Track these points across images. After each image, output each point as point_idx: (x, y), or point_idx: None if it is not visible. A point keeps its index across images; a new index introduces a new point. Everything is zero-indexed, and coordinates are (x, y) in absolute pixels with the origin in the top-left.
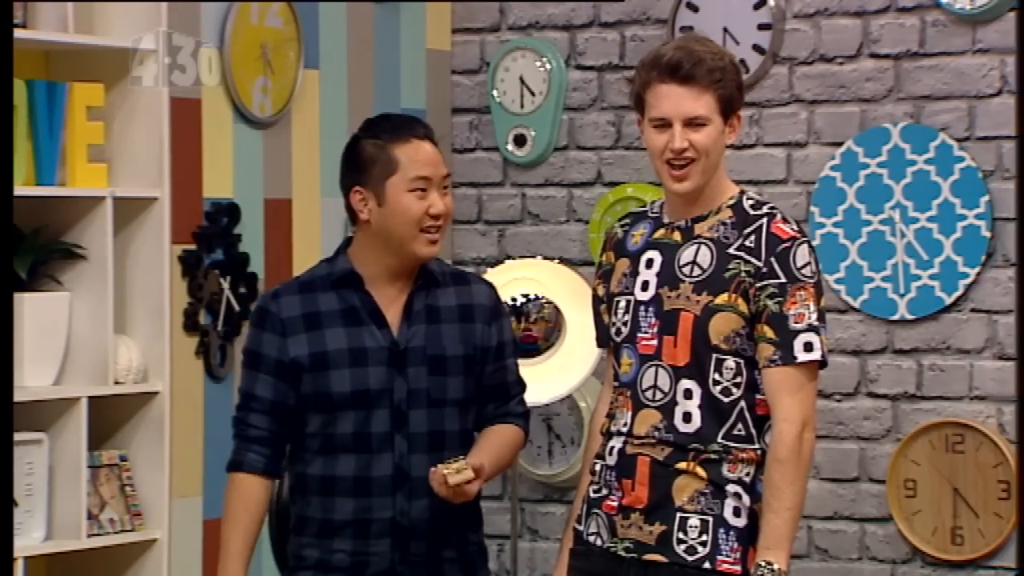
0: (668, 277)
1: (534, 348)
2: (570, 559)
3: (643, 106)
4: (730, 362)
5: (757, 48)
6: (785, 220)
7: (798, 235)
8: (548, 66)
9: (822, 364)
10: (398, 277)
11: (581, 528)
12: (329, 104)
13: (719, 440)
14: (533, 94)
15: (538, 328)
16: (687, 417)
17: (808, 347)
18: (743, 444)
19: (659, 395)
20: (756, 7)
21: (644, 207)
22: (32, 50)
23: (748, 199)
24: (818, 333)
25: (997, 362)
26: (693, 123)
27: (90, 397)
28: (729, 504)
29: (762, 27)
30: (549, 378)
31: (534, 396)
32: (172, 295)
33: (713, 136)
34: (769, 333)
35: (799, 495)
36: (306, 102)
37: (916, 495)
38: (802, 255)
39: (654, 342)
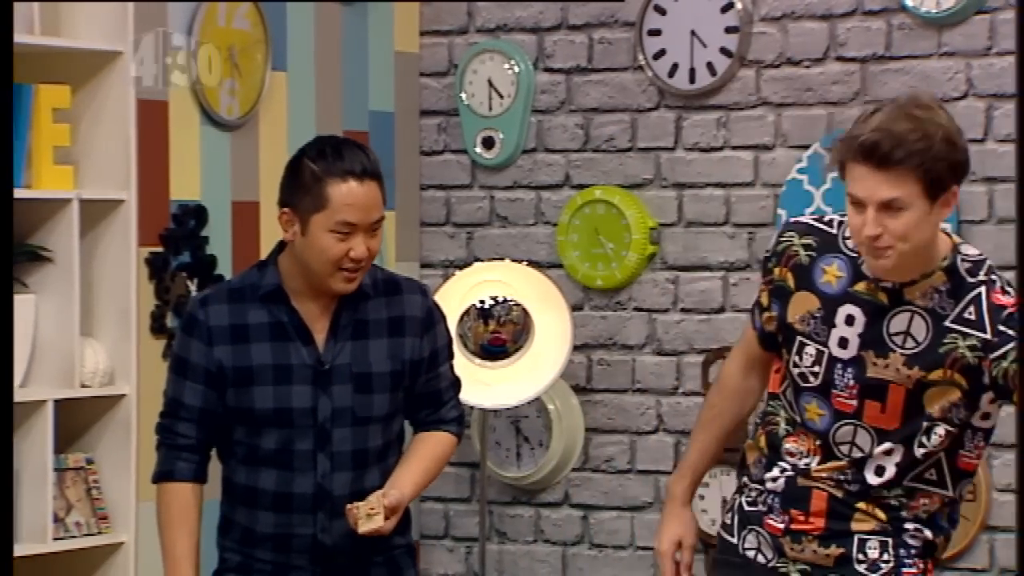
0: (875, 342)
1: (502, 350)
2: (719, 568)
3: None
4: (941, 428)
5: (724, 51)
6: (1005, 290)
7: (1018, 300)
8: (516, 69)
9: None
10: (324, 294)
11: (735, 541)
12: (297, 106)
13: (905, 484)
14: (501, 96)
15: (506, 330)
16: (880, 471)
17: None
18: (930, 487)
19: (856, 452)
20: (723, 10)
21: (830, 225)
22: None
23: (963, 260)
24: None
25: None
26: (890, 207)
27: (56, 400)
28: (908, 530)
29: (729, 30)
30: (517, 380)
31: (502, 399)
32: (139, 297)
33: (913, 221)
34: None
35: None
36: (274, 104)
37: None
38: None
39: (853, 403)
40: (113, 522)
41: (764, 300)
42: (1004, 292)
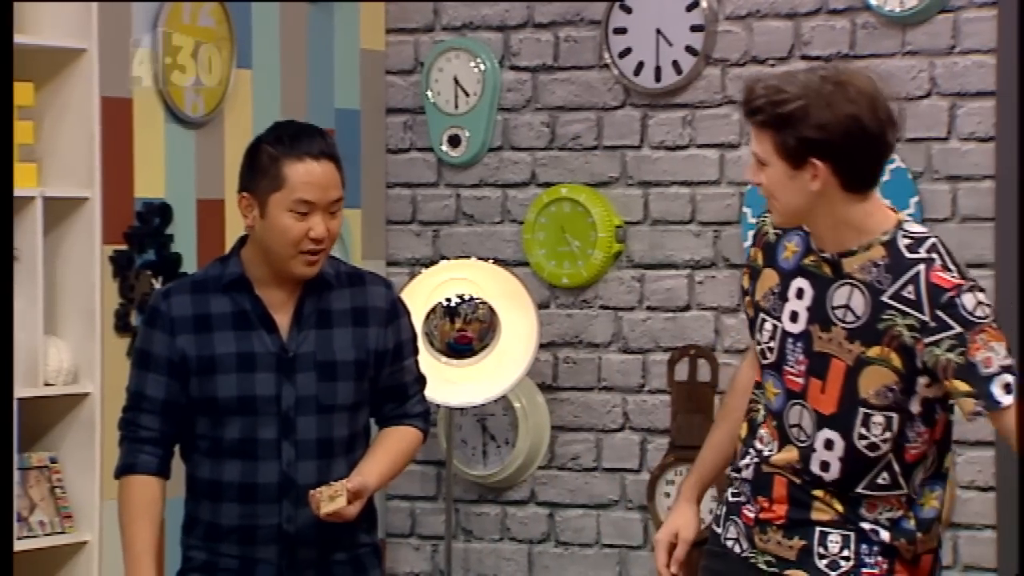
0: (820, 316)
1: (468, 349)
2: (706, 558)
3: None
4: (879, 417)
5: (690, 49)
6: (946, 266)
7: (962, 282)
8: (482, 67)
9: None
10: (287, 281)
11: (719, 531)
12: (262, 104)
13: (859, 490)
14: (467, 95)
15: (472, 329)
16: (824, 466)
17: (1008, 389)
18: (886, 492)
19: (803, 436)
20: (689, 9)
21: None
22: None
23: (905, 236)
24: (1012, 372)
25: None
26: (759, 160)
27: (20, 398)
28: (867, 526)
29: (695, 28)
30: (483, 379)
31: (468, 397)
32: (103, 296)
33: (773, 179)
34: (963, 387)
35: None
36: (239, 102)
37: None
38: (970, 300)
39: (801, 380)
40: (77, 521)
41: (745, 283)
42: (946, 270)
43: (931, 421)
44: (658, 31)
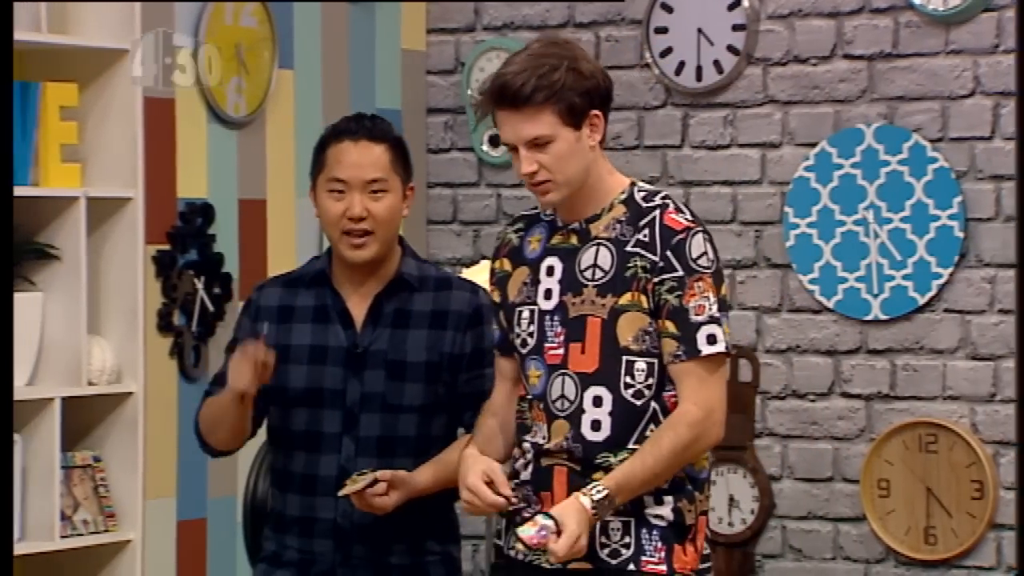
0: (571, 283)
1: None
2: (492, 573)
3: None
4: (641, 363)
5: (731, 49)
6: (679, 209)
7: (692, 224)
8: None
9: (727, 354)
10: (363, 277)
11: (501, 542)
12: (304, 104)
13: (631, 446)
14: None
15: None
16: (596, 425)
17: (712, 339)
18: None
19: (567, 404)
20: (730, 8)
21: (535, 209)
22: None
23: (640, 191)
24: (720, 324)
25: (970, 362)
26: (537, 143)
27: (64, 398)
28: (650, 504)
29: (736, 28)
30: None
31: None
32: (146, 296)
33: (563, 152)
34: (671, 328)
35: (670, 468)
36: (281, 102)
37: (890, 495)
38: (697, 245)
39: (560, 351)
40: (120, 520)
41: (496, 298)
42: (678, 212)
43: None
44: (699, 30)
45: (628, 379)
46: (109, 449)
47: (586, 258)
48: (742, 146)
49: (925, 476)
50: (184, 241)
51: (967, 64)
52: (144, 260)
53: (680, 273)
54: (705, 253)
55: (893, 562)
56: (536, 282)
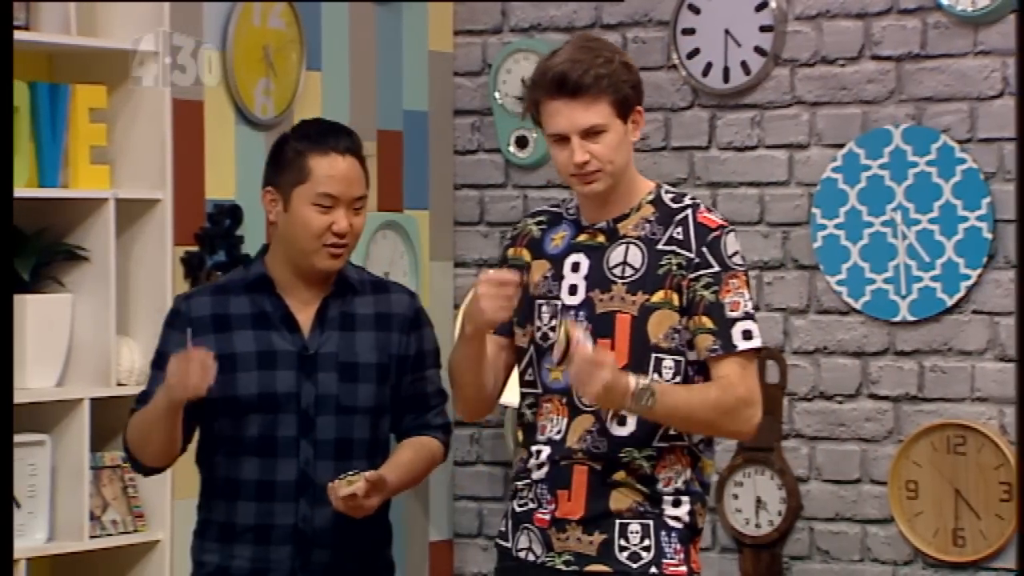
0: (598, 280)
1: None
2: (499, 575)
3: (541, 124)
4: (669, 361)
5: (759, 50)
6: (709, 209)
7: (725, 223)
8: None
9: (760, 351)
10: (310, 283)
11: (509, 545)
12: (331, 106)
13: (654, 444)
14: None
15: None
16: (622, 420)
17: (747, 335)
18: (674, 441)
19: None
20: (758, 9)
21: (557, 206)
22: (35, 52)
23: (667, 192)
24: (755, 320)
25: (998, 363)
26: (591, 133)
27: (92, 398)
28: (668, 506)
29: (764, 29)
30: None
31: None
32: (174, 296)
33: (614, 142)
34: (707, 323)
35: (702, 419)
36: (308, 104)
37: (918, 496)
38: (731, 243)
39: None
40: (149, 520)
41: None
42: (710, 211)
43: (705, 371)
44: (727, 31)
45: (656, 376)
46: None
47: (615, 256)
48: (769, 147)
49: (953, 478)
50: (212, 242)
51: (996, 65)
52: (172, 261)
53: (716, 269)
54: (738, 251)
55: (921, 564)
56: (559, 277)
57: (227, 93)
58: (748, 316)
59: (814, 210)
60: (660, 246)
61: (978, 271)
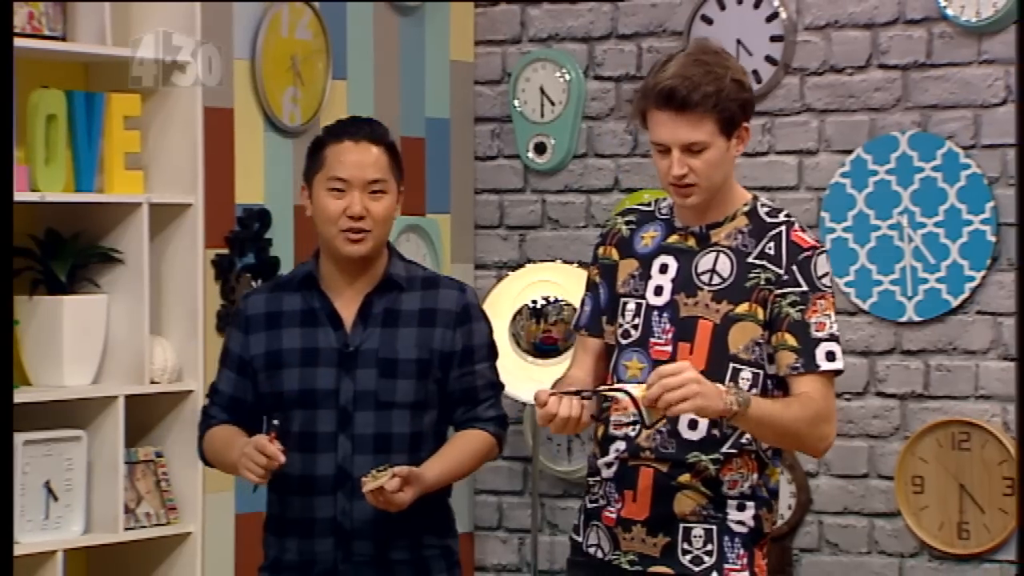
0: (685, 284)
1: (554, 349)
2: (569, 569)
3: (647, 126)
4: (747, 373)
5: (769, 59)
6: (803, 229)
7: (818, 245)
8: (567, 77)
9: (840, 372)
10: (352, 278)
11: (580, 539)
12: (356, 113)
13: (723, 450)
14: (553, 104)
15: (557, 329)
16: (692, 424)
17: (831, 356)
18: (746, 448)
19: None
20: (768, 19)
21: (649, 205)
22: (71, 62)
23: (763, 206)
24: (838, 342)
25: (1002, 363)
26: (692, 148)
27: (127, 396)
28: (732, 510)
29: (774, 39)
30: None
31: None
32: (205, 297)
33: (714, 159)
34: (791, 341)
35: (784, 431)
36: (334, 111)
37: (923, 491)
38: (822, 265)
39: (668, 348)
40: (181, 513)
41: (596, 280)
42: (803, 231)
43: (784, 385)
44: (738, 41)
45: (731, 385)
46: (171, 445)
47: (704, 262)
48: (780, 153)
49: (958, 473)
50: (242, 245)
51: (999, 73)
52: (204, 263)
53: (804, 289)
54: (827, 273)
55: (927, 556)
56: (646, 277)
57: (256, 101)
58: (833, 338)
59: (823, 214)
60: (750, 259)
61: (982, 273)
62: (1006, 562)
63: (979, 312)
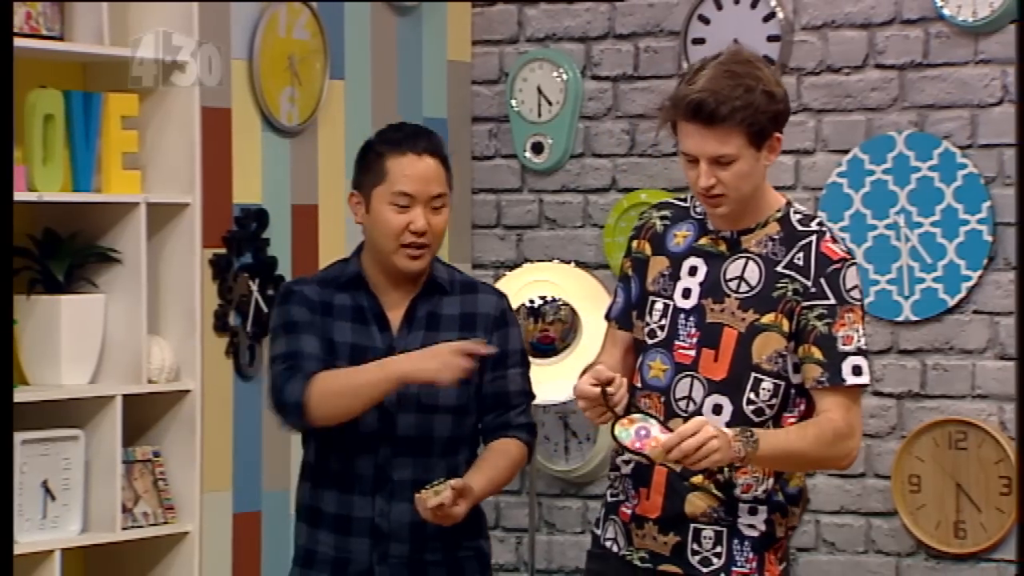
0: (713, 289)
1: (551, 348)
2: (587, 560)
3: (676, 137)
4: (768, 383)
5: (766, 59)
6: (834, 239)
7: (848, 256)
8: (565, 76)
9: (866, 386)
10: (400, 282)
11: (599, 531)
12: (354, 113)
13: None
14: (550, 103)
15: (555, 329)
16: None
17: (857, 371)
18: None
19: (691, 406)
20: (765, 19)
21: (684, 200)
22: (69, 62)
23: (796, 212)
24: (866, 356)
25: (998, 362)
26: (720, 161)
27: (125, 395)
28: (744, 514)
29: (771, 39)
30: (565, 377)
31: (551, 395)
32: (203, 297)
33: (743, 171)
34: (817, 354)
35: (803, 457)
36: (332, 111)
37: (920, 490)
38: (851, 277)
39: (692, 352)
40: (179, 512)
41: (628, 272)
42: (834, 241)
43: (808, 395)
44: (735, 41)
45: (752, 395)
46: (168, 444)
47: (733, 269)
48: None
49: (955, 472)
50: (239, 245)
51: (995, 73)
52: (201, 263)
53: (832, 302)
54: (857, 286)
55: (924, 555)
56: (676, 277)
57: (254, 101)
58: (860, 352)
59: (820, 213)
60: (779, 268)
61: (979, 273)
62: (1003, 561)
63: (976, 312)
